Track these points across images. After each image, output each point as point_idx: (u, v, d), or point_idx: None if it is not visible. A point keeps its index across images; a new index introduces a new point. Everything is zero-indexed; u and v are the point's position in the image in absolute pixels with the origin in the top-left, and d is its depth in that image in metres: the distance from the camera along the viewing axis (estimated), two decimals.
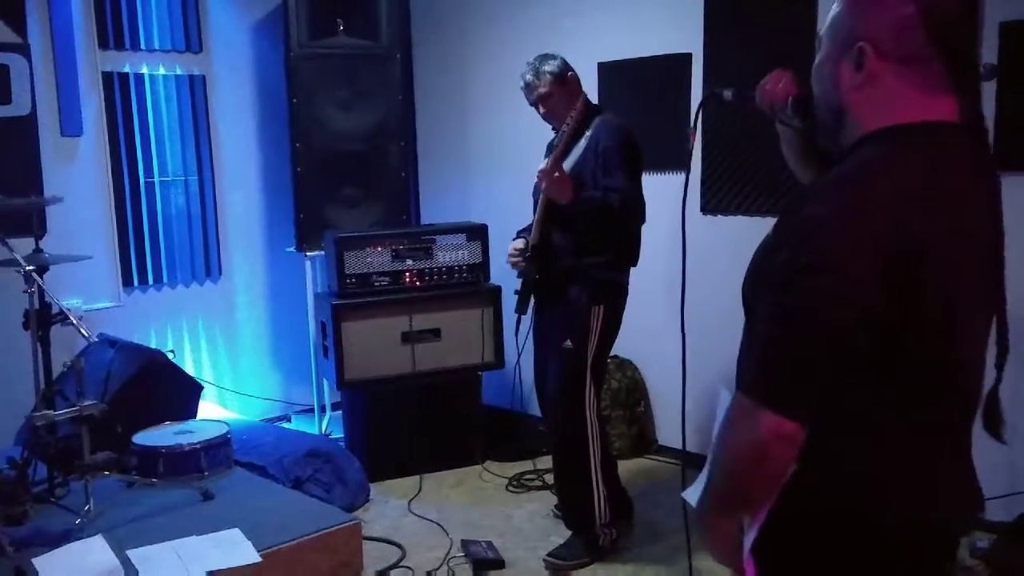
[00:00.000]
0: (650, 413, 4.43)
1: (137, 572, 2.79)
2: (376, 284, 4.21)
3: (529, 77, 3.30)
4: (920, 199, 1.19)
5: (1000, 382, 1.36)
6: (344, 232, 4.32)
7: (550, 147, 3.38)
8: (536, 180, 3.21)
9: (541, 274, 3.27)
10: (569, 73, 3.31)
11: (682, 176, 4.07)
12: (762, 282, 1.26)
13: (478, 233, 4.36)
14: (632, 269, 3.35)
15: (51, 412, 3.12)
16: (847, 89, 1.28)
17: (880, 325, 1.18)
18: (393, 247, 4.23)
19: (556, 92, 3.28)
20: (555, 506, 3.72)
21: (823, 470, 1.26)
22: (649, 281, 3.49)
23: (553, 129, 3.41)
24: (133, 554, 2.87)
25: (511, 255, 3.38)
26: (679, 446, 4.24)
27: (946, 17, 1.23)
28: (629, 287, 3.33)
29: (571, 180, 3.13)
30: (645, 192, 3.26)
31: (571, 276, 3.24)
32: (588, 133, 3.24)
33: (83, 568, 2.74)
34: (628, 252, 3.31)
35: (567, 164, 3.22)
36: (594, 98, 3.98)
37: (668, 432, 4.35)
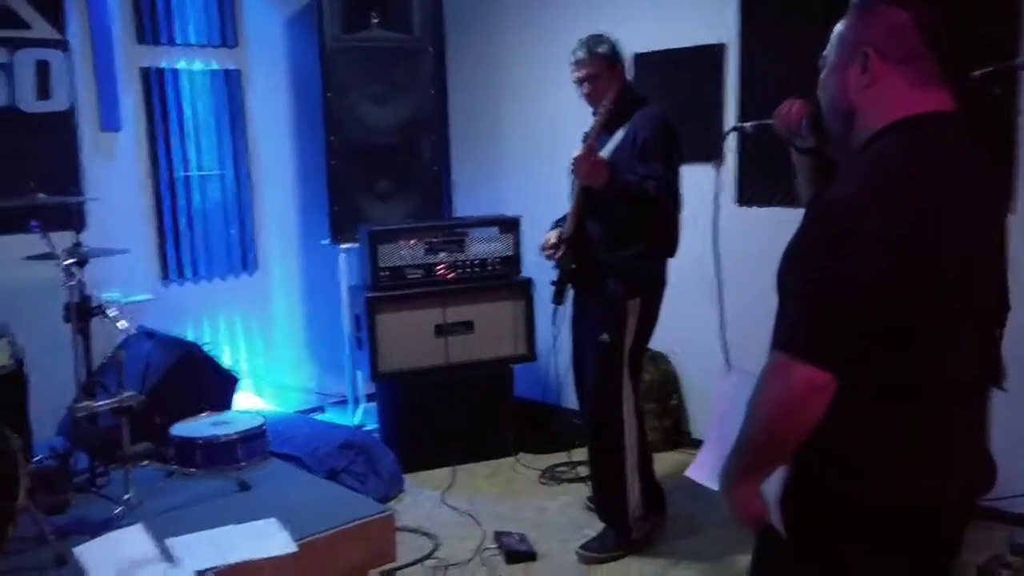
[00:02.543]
0: (683, 406, 4.40)
1: (175, 561, 2.83)
2: (409, 277, 4.23)
3: (581, 54, 3.26)
4: (930, 174, 1.35)
5: (1001, 337, 1.52)
6: (377, 225, 4.34)
7: (586, 137, 3.37)
8: (570, 168, 3.18)
9: (577, 265, 3.26)
10: (623, 62, 3.28)
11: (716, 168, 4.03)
12: (793, 260, 1.40)
13: (511, 226, 4.36)
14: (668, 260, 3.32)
15: (92, 403, 3.17)
16: (855, 90, 1.46)
17: (905, 284, 1.31)
18: (426, 240, 4.24)
19: (604, 75, 3.24)
20: (588, 498, 3.71)
21: (843, 433, 1.37)
22: (683, 273, 3.45)
23: (593, 114, 3.38)
24: (172, 543, 2.90)
25: (543, 248, 3.37)
26: None
27: (933, 22, 1.43)
28: (666, 279, 3.31)
29: (606, 163, 3.10)
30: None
31: (607, 268, 3.21)
32: (627, 124, 3.20)
33: (123, 556, 2.78)
34: (665, 243, 3.27)
35: (604, 153, 3.19)
36: None
37: (702, 425, 4.32)
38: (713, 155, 4.00)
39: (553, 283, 3.32)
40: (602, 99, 3.22)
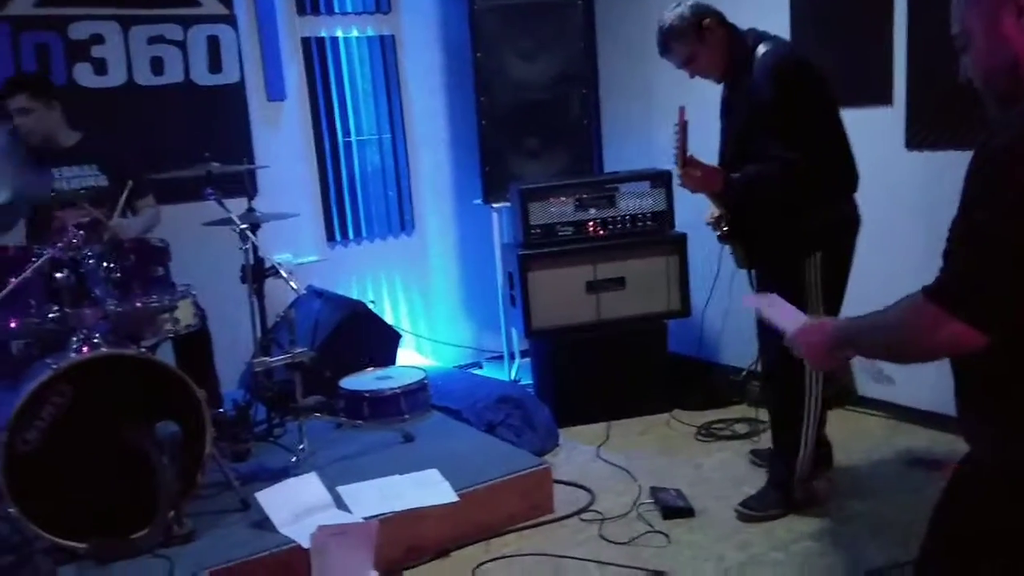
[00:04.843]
0: (849, 363, 4.21)
1: (347, 507, 3.00)
2: (560, 234, 4.24)
3: (662, 45, 3.02)
4: None
5: None
6: (528, 183, 4.36)
7: (725, 105, 3.15)
8: (678, 184, 3.03)
9: (744, 236, 3.11)
10: (705, 20, 2.97)
11: (884, 110, 3.80)
12: (960, 209, 1.33)
13: (662, 180, 4.28)
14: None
15: (267, 359, 3.39)
16: (1016, 36, 1.35)
17: None
18: (576, 197, 4.24)
19: (698, 47, 2.98)
20: (752, 451, 3.65)
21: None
22: None
23: (717, 82, 3.14)
24: (343, 490, 3.08)
25: (709, 223, 3.21)
26: (883, 397, 4.03)
27: None
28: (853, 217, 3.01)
29: (716, 170, 2.94)
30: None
31: (774, 231, 3.01)
32: (751, 71, 2.92)
33: (299, 502, 2.97)
34: (832, 190, 2.96)
35: (732, 114, 3.03)
36: (785, 33, 3.76)
37: (866, 383, 4.13)
38: (881, 98, 3.77)
39: (732, 253, 3.22)
40: (716, 68, 3.00)
